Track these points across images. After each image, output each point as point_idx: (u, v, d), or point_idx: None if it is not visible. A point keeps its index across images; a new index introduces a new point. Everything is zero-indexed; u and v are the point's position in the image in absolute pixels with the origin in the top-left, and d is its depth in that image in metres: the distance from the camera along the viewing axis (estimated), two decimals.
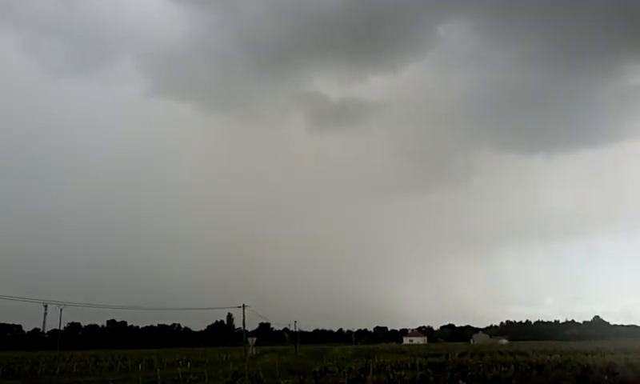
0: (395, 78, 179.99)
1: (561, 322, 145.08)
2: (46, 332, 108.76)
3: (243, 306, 54.28)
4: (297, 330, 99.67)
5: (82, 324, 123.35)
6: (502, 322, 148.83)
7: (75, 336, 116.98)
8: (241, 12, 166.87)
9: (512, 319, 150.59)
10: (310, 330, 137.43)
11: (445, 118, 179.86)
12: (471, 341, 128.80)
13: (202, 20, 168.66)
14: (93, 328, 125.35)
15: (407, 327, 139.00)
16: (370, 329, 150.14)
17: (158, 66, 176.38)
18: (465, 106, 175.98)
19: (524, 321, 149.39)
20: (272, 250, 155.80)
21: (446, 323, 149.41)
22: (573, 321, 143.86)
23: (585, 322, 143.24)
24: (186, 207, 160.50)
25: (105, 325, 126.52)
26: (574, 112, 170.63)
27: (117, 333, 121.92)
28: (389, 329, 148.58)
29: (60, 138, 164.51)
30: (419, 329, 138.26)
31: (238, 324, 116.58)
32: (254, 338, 52.09)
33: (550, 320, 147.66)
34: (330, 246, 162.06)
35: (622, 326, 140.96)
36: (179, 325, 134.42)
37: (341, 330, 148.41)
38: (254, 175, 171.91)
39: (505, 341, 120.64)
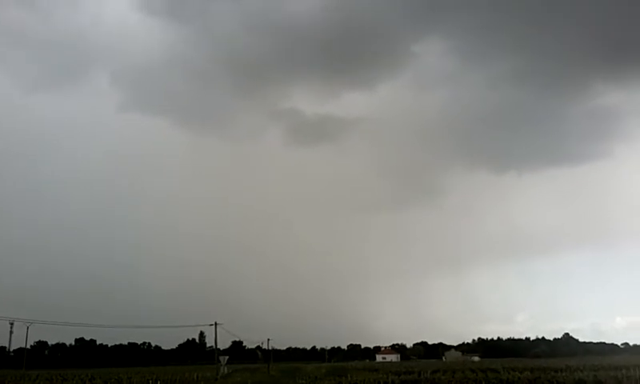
0: (371, 96, 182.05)
1: (531, 339, 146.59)
2: (11, 350, 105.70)
3: (215, 323, 53.78)
4: (270, 348, 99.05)
5: (50, 342, 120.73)
6: (474, 340, 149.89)
7: (42, 355, 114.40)
8: (218, 27, 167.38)
9: (484, 336, 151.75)
10: (284, 347, 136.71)
11: (420, 136, 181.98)
12: (443, 358, 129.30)
13: (179, 35, 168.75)
14: (60, 346, 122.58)
15: (381, 345, 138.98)
16: (344, 346, 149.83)
17: (133, 81, 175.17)
18: (439, 125, 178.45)
19: (496, 338, 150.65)
20: (245, 268, 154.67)
21: (419, 341, 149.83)
22: (543, 338, 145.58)
23: (555, 339, 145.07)
24: (159, 223, 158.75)
25: (73, 343, 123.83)
26: (545, 132, 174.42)
27: (85, 351, 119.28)
28: (362, 346, 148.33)
29: (30, 153, 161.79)
30: (392, 346, 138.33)
31: (210, 342, 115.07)
32: (226, 357, 51.61)
33: (521, 337, 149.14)
34: (303, 263, 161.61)
35: (591, 343, 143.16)
36: (149, 343, 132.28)
37: (314, 347, 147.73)
38: (229, 192, 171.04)
39: (477, 358, 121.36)
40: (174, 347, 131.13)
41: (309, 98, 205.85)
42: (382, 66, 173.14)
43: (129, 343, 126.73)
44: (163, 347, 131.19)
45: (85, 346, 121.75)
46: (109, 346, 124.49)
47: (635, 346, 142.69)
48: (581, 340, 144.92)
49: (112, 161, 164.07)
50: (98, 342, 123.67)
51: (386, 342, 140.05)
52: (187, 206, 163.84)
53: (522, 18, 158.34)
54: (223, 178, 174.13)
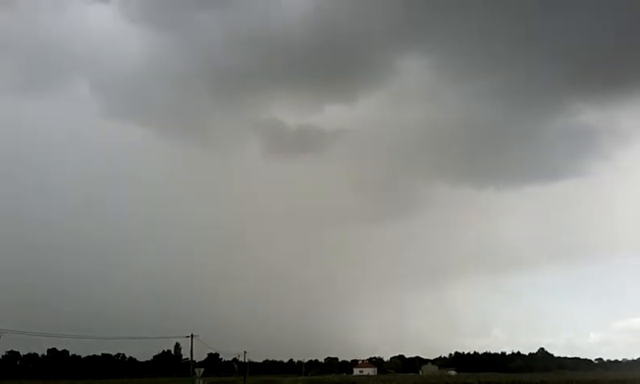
0: (352, 109, 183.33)
1: (507, 353, 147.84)
2: None
3: (191, 335, 53.16)
4: (246, 360, 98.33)
5: (21, 353, 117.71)
6: (450, 354, 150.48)
7: (13, 365, 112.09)
8: (200, 37, 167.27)
9: (461, 350, 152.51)
10: (260, 360, 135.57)
11: (400, 150, 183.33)
12: (420, 372, 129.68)
13: (161, 43, 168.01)
14: (32, 357, 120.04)
15: (358, 358, 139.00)
16: (321, 359, 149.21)
17: (114, 88, 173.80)
18: (419, 139, 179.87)
19: (472, 352, 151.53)
20: (223, 279, 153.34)
21: (397, 354, 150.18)
22: (519, 352, 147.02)
23: (530, 354, 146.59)
24: (137, 232, 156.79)
25: (45, 354, 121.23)
26: (523, 149, 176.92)
27: (58, 362, 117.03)
28: (340, 359, 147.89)
29: (3, 159, 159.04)
30: (370, 360, 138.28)
31: (185, 354, 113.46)
32: (202, 369, 50.96)
33: (497, 352, 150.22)
34: (281, 274, 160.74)
35: (566, 358, 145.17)
36: (124, 354, 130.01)
37: (291, 360, 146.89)
38: (207, 202, 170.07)
39: (453, 372, 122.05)
40: (149, 359, 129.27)
41: (290, 110, 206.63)
42: (363, 80, 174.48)
43: (102, 354, 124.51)
44: (138, 359, 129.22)
45: (57, 357, 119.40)
46: (82, 356, 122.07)
47: (609, 361, 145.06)
48: (556, 355, 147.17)
49: (88, 168, 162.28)
50: (70, 353, 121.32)
51: (363, 356, 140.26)
52: (164, 216, 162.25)
53: (500, 37, 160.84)
54: (201, 188, 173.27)
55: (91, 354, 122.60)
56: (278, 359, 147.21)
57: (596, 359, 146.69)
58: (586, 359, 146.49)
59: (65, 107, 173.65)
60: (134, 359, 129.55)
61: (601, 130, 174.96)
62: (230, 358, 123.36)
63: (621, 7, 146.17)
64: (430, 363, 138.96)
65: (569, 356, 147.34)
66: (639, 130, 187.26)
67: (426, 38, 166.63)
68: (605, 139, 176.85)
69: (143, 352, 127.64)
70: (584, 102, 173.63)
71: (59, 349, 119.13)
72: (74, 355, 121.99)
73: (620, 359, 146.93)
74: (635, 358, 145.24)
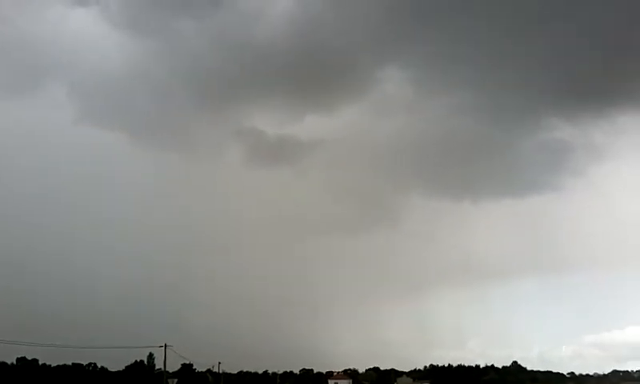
0: (332, 119, 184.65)
1: (481, 366, 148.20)
2: None
3: (165, 345, 52.86)
4: (220, 371, 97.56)
5: None
6: (425, 366, 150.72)
7: None
8: (182, 43, 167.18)
9: (435, 363, 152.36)
10: (235, 371, 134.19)
11: (378, 161, 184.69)
12: None
13: (141, 49, 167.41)
14: (1, 366, 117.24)
15: (333, 369, 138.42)
16: (296, 371, 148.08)
17: (92, 93, 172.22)
18: (397, 151, 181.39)
19: (446, 365, 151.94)
20: (197, 288, 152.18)
21: (372, 366, 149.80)
22: (493, 365, 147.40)
23: (504, 367, 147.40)
24: (111, 240, 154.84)
25: (14, 362, 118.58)
26: (499, 162, 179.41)
27: (27, 372, 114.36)
28: (315, 371, 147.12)
29: None
30: (345, 371, 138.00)
31: (159, 364, 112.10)
32: (175, 380, 50.76)
33: (471, 364, 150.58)
34: (257, 284, 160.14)
35: (539, 371, 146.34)
36: (95, 364, 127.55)
37: (266, 372, 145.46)
38: (183, 211, 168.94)
39: None
40: (121, 369, 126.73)
41: (271, 119, 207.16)
42: (343, 90, 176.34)
43: (73, 364, 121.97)
44: (110, 369, 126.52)
45: (27, 366, 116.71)
46: (52, 366, 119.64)
47: (580, 375, 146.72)
48: (529, 368, 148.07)
49: (61, 173, 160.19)
50: (40, 362, 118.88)
51: (338, 367, 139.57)
52: (140, 224, 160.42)
53: (478, 53, 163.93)
54: (178, 197, 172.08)
55: (62, 364, 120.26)
56: (252, 370, 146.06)
57: (568, 373, 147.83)
58: (558, 373, 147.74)
59: (40, 111, 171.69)
60: (106, 369, 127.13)
61: (575, 145, 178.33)
62: (204, 369, 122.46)
63: (594, 27, 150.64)
64: (404, 376, 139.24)
65: (541, 369, 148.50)
66: (612, 147, 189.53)
67: (406, 50, 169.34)
68: (578, 155, 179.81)
69: (115, 362, 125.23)
70: (559, 118, 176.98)
71: (29, 357, 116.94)
72: (44, 364, 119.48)
73: (591, 373, 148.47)
74: (606, 372, 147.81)
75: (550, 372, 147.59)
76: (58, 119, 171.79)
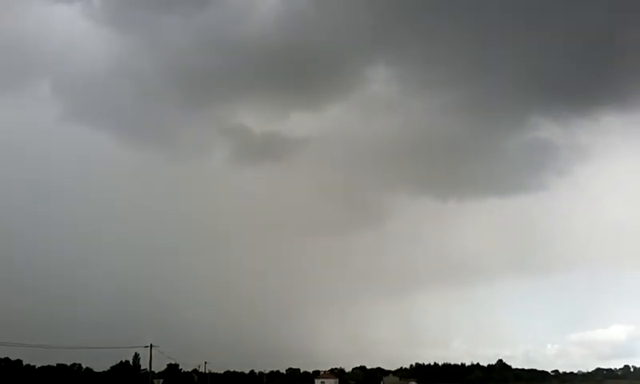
0: (318, 117, 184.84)
1: (467, 364, 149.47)
2: None
3: (150, 345, 52.65)
4: (207, 371, 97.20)
5: None
6: (411, 365, 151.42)
7: None
8: (166, 40, 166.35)
9: (422, 361, 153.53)
10: (221, 371, 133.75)
11: (364, 159, 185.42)
12: (382, 383, 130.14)
13: (125, 46, 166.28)
14: None
15: (320, 368, 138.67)
16: (283, 370, 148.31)
17: (75, 91, 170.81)
18: (383, 150, 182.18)
19: (432, 363, 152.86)
20: (183, 288, 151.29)
21: (358, 365, 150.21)
22: (478, 364, 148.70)
23: (489, 366, 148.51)
24: (94, 239, 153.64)
25: None
26: (484, 161, 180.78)
27: (11, 373, 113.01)
28: (301, 370, 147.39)
29: None
30: (331, 370, 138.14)
31: (144, 365, 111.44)
32: (161, 380, 50.45)
33: (457, 363, 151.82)
34: (243, 285, 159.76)
35: (523, 370, 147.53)
36: (80, 365, 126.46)
37: (252, 371, 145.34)
38: (169, 209, 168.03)
39: (414, 383, 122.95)
40: (106, 369, 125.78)
41: (257, 116, 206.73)
42: (329, 89, 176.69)
43: (57, 365, 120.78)
44: (95, 369, 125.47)
45: (10, 367, 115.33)
46: (36, 367, 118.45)
47: (565, 373, 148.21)
48: (514, 366, 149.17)
49: (46, 172, 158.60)
50: (24, 363, 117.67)
51: (325, 366, 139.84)
52: (124, 223, 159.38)
53: (464, 53, 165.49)
54: (164, 195, 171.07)
55: (46, 364, 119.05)
56: (239, 370, 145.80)
57: (552, 371, 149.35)
58: (542, 371, 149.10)
59: (24, 108, 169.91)
60: (91, 370, 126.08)
61: (559, 145, 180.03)
62: (190, 369, 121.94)
63: (578, 28, 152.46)
64: (391, 374, 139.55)
65: (526, 367, 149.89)
66: (597, 146, 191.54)
67: (392, 49, 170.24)
68: (563, 154, 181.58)
69: (100, 362, 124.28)
70: (544, 117, 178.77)
71: (12, 358, 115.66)
72: (27, 365, 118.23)
73: (575, 371, 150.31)
74: (590, 370, 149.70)
75: (535, 370, 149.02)
76: (42, 117, 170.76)
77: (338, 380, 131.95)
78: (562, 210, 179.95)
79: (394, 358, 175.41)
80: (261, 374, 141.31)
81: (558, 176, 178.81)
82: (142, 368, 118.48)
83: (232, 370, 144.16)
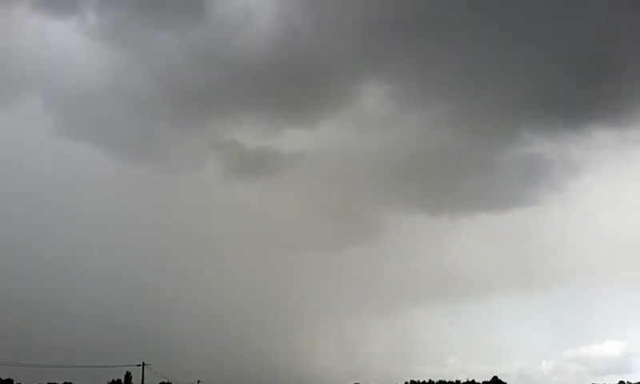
0: (311, 133, 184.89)
1: (462, 381, 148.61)
2: None
3: (143, 364, 51.81)
4: None
5: None
6: (406, 382, 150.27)
7: None
8: (160, 56, 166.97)
9: (416, 378, 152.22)
10: None
11: (357, 175, 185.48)
12: None
13: (120, 61, 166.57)
14: None
15: None
16: None
17: (69, 106, 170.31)
18: (376, 165, 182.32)
19: (427, 380, 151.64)
20: (176, 306, 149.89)
21: (353, 382, 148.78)
22: (473, 381, 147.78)
23: (484, 383, 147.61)
24: (87, 256, 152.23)
25: None
26: (476, 177, 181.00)
27: None
28: None
29: None
30: None
31: (137, 383, 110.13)
32: None
33: (451, 380, 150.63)
34: (236, 301, 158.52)
35: None
36: (71, 383, 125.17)
37: None
38: (161, 225, 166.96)
39: None
40: None
41: (250, 132, 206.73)
42: (322, 105, 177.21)
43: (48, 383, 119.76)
44: None
45: None
46: None
47: None
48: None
49: (37, 188, 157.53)
50: (15, 382, 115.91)
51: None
52: (116, 239, 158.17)
53: (456, 69, 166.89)
54: (157, 210, 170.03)
55: None
56: None
57: None
58: None
59: (15, 123, 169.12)
60: None
61: (550, 160, 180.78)
62: None
63: (569, 44, 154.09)
64: None
65: None
66: (588, 161, 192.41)
67: (386, 65, 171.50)
68: (554, 169, 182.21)
69: (92, 381, 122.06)
70: (535, 132, 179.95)
71: (3, 377, 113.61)
72: None
73: None
74: None
75: None
76: (35, 131, 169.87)
77: None
78: (555, 224, 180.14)
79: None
80: None
81: (551, 191, 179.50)
82: None
83: None
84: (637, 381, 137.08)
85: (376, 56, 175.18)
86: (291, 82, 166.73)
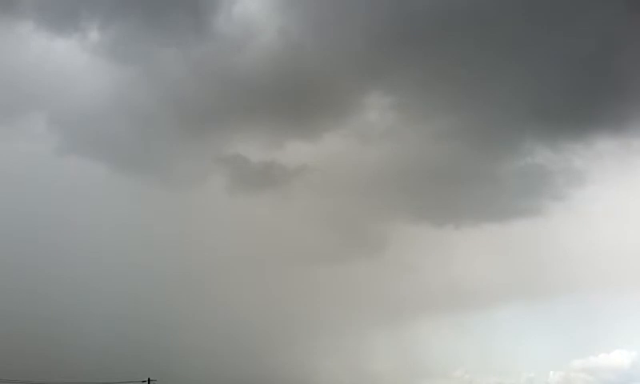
0: (314, 146, 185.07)
1: None
2: None
3: (148, 380, 51.72)
4: None
5: None
6: None
7: None
8: (163, 72, 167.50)
9: None
10: None
11: (360, 188, 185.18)
12: None
13: (122, 78, 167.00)
14: None
15: None
16: None
17: (74, 123, 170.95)
18: (379, 178, 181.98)
19: None
20: (182, 320, 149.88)
21: None
22: None
23: None
24: (94, 272, 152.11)
25: None
26: (479, 187, 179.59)
27: None
28: None
29: None
30: None
31: None
32: None
33: None
34: (241, 316, 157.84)
35: None
36: None
37: None
38: (167, 241, 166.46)
39: None
40: None
41: (254, 146, 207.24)
42: (326, 117, 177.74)
43: None
44: None
45: None
46: None
47: None
48: None
49: (41, 204, 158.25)
50: None
51: None
52: (121, 255, 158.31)
53: (457, 79, 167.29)
54: (162, 225, 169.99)
55: None
56: None
57: None
58: None
59: (19, 141, 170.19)
60: None
61: (552, 170, 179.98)
62: None
63: (571, 54, 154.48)
64: None
65: None
66: (591, 171, 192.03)
67: (389, 77, 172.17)
68: (556, 179, 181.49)
69: None
70: (536, 142, 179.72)
71: None
72: None
73: None
74: None
75: None
76: (39, 149, 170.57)
77: None
78: (559, 234, 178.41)
79: None
80: None
81: (551, 200, 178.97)
82: None
83: None
84: None
85: (380, 68, 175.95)
86: (294, 95, 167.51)
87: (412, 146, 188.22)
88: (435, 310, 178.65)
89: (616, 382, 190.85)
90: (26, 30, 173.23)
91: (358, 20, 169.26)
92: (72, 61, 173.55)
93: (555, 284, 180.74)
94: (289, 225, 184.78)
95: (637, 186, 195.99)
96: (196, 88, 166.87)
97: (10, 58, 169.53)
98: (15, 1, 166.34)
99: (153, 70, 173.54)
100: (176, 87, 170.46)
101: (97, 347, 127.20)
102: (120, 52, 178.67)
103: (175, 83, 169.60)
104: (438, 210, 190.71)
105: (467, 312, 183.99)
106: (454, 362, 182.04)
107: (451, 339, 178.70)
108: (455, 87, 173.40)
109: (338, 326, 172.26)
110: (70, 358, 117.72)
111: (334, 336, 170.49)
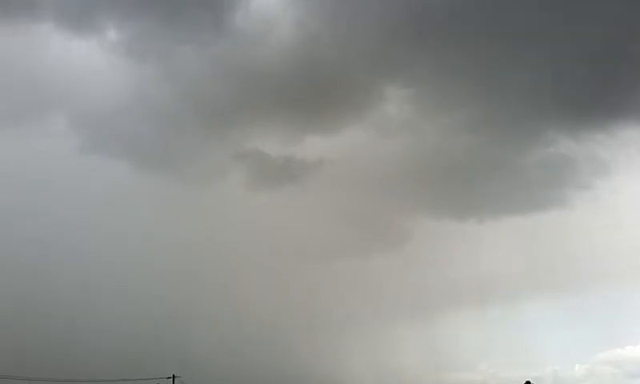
0: (333, 140, 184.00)
1: None
2: None
3: (173, 376, 51.22)
4: None
5: None
6: None
7: None
8: (182, 70, 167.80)
9: None
10: None
11: (381, 180, 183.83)
12: None
13: (141, 77, 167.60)
14: None
15: None
16: None
17: (95, 123, 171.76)
18: (399, 171, 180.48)
19: None
20: (204, 317, 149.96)
21: None
22: None
23: None
24: (114, 269, 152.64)
25: None
26: (502, 179, 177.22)
27: None
28: None
29: None
30: None
31: None
32: None
33: None
34: (263, 313, 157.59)
35: None
36: None
37: None
38: (188, 237, 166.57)
39: None
40: None
41: (273, 141, 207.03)
42: (344, 110, 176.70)
43: None
44: None
45: None
46: None
47: None
48: None
49: (61, 205, 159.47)
50: None
51: None
52: (143, 251, 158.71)
53: (479, 70, 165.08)
54: (183, 222, 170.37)
55: None
56: None
57: None
58: None
59: (39, 143, 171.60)
60: None
61: (576, 159, 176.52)
62: None
63: (592, 42, 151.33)
64: None
65: None
66: (616, 160, 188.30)
67: (407, 69, 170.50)
68: (580, 168, 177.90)
69: None
70: (558, 132, 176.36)
71: None
72: None
73: None
74: None
75: None
76: (60, 149, 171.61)
77: None
78: (584, 226, 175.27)
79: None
80: None
81: (576, 190, 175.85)
82: None
83: None
84: None
85: (397, 61, 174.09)
86: (312, 90, 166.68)
87: (431, 139, 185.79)
88: (459, 304, 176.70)
89: None
90: (46, 31, 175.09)
91: (374, 12, 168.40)
92: (91, 60, 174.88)
93: (580, 277, 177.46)
94: (308, 219, 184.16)
95: None
96: (214, 84, 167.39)
97: (30, 58, 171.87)
98: (35, 2, 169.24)
99: (171, 67, 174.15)
100: (195, 84, 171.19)
101: (123, 345, 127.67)
102: (138, 50, 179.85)
103: (194, 80, 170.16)
104: (459, 203, 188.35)
105: (491, 306, 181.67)
106: (478, 356, 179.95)
107: (475, 333, 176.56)
108: (473, 78, 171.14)
109: (361, 321, 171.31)
110: (95, 356, 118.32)
111: (358, 331, 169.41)
